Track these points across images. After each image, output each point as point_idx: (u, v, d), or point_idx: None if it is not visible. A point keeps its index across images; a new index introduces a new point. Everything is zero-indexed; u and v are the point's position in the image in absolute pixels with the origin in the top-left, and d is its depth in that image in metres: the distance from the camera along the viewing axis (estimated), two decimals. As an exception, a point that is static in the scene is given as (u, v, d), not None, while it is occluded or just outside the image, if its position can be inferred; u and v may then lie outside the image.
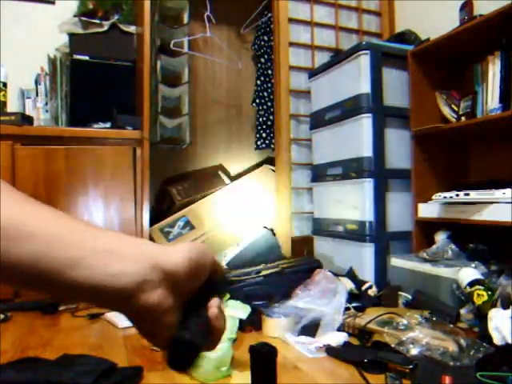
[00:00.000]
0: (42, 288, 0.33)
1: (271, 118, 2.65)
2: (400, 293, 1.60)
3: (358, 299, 1.57)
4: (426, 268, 1.60)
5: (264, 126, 2.70)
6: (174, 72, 2.63)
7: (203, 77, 3.02)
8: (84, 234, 0.33)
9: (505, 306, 1.23)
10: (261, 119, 2.72)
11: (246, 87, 3.07)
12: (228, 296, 0.47)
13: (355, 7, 2.57)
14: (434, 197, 1.82)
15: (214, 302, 0.38)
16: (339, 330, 1.31)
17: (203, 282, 0.38)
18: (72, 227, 0.33)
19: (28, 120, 1.91)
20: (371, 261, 1.87)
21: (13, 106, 2.20)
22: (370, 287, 1.72)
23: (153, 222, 2.24)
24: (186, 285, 0.35)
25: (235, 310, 1.20)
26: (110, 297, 0.32)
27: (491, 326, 1.12)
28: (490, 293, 1.31)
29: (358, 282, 1.75)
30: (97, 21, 2.19)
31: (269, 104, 2.68)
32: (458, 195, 1.69)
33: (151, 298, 0.32)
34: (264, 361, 0.83)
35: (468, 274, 1.42)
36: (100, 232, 0.34)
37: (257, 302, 1.47)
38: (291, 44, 2.40)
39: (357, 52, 1.94)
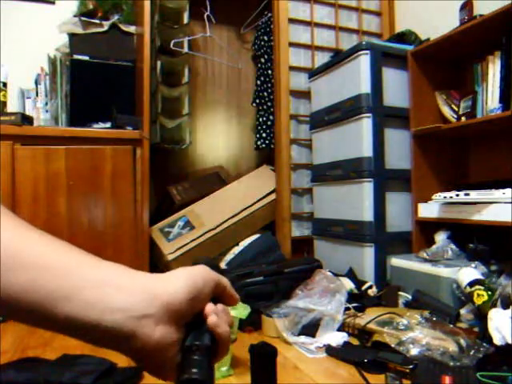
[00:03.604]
0: (34, 321, 0.30)
1: (271, 118, 2.65)
2: (400, 293, 1.60)
3: (358, 299, 1.57)
4: (426, 268, 1.59)
5: (264, 126, 2.70)
6: (174, 72, 2.63)
7: (203, 77, 3.02)
8: (80, 265, 0.31)
9: (505, 306, 1.23)
10: (261, 119, 2.71)
11: (246, 87, 3.08)
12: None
13: (355, 7, 2.57)
14: (433, 197, 1.82)
15: (208, 308, 0.34)
16: (339, 330, 1.31)
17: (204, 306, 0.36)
18: (68, 258, 0.32)
19: (28, 120, 1.90)
20: (371, 261, 1.87)
21: (13, 106, 2.20)
22: (370, 287, 1.72)
23: (153, 222, 2.24)
24: (186, 312, 0.33)
25: (235, 310, 1.20)
26: (106, 334, 0.29)
27: (491, 325, 1.12)
28: (490, 293, 1.30)
29: (358, 282, 1.75)
30: (97, 21, 2.19)
31: (269, 104, 2.68)
32: (458, 195, 1.69)
33: (153, 336, 0.30)
34: (264, 361, 0.83)
35: (468, 273, 1.42)
36: (96, 263, 0.33)
37: (257, 302, 1.47)
38: (291, 44, 2.40)
39: (357, 52, 1.94)
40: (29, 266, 0.29)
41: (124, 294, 0.30)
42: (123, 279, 0.31)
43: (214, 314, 0.34)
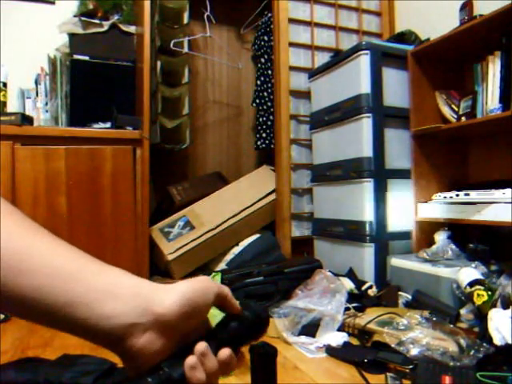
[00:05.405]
0: (39, 321, 0.33)
1: (271, 118, 2.65)
2: (400, 293, 1.60)
3: (358, 299, 1.57)
4: (426, 268, 1.59)
5: (264, 126, 2.70)
6: (174, 72, 2.63)
7: (203, 77, 3.02)
8: (85, 271, 0.33)
9: (505, 306, 1.23)
10: (261, 119, 2.72)
11: (246, 87, 3.08)
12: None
13: (355, 7, 2.57)
14: (434, 197, 1.82)
15: (198, 347, 0.34)
16: (339, 330, 1.31)
17: (201, 322, 0.36)
18: (74, 262, 0.33)
19: (28, 120, 1.90)
20: (371, 261, 1.87)
21: (13, 106, 2.20)
22: (370, 287, 1.72)
23: (153, 222, 2.24)
24: (179, 325, 0.34)
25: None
26: (100, 337, 0.32)
27: (491, 325, 1.12)
28: (490, 293, 1.30)
29: (358, 282, 1.75)
30: (97, 21, 2.18)
31: (269, 104, 2.68)
32: (458, 195, 1.69)
33: (138, 342, 0.33)
34: (264, 361, 0.83)
35: (468, 273, 1.42)
36: (100, 268, 0.34)
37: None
38: (291, 44, 2.40)
39: (357, 52, 1.94)
40: (37, 270, 0.31)
41: (120, 302, 0.33)
42: (122, 289, 0.34)
43: (196, 357, 0.34)
